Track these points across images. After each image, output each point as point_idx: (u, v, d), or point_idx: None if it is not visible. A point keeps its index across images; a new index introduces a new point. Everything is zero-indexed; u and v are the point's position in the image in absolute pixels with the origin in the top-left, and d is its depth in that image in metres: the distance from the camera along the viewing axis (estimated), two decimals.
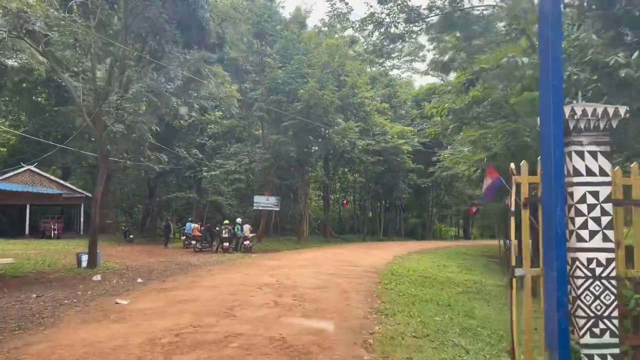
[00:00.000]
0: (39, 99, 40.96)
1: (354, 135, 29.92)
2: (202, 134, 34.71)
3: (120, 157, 16.57)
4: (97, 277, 13.74)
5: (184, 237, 28.21)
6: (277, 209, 30.99)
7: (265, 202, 29.72)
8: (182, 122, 20.57)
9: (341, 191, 47.87)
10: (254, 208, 31.47)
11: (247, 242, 25.53)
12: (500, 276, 20.83)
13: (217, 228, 26.50)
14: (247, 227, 25.96)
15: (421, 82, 66.64)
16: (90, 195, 38.36)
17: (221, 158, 30.80)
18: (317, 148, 33.04)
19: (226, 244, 24.65)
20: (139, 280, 13.30)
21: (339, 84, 29.21)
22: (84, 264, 15.90)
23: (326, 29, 39.65)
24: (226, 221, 25.60)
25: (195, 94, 17.07)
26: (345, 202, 41.55)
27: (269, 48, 29.40)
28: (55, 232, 33.63)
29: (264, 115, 28.28)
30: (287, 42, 28.79)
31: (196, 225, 26.82)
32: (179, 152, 33.20)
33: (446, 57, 18.12)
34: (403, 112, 44.75)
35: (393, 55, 65.39)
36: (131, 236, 33.26)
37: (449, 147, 44.04)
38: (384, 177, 39.69)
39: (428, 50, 66.53)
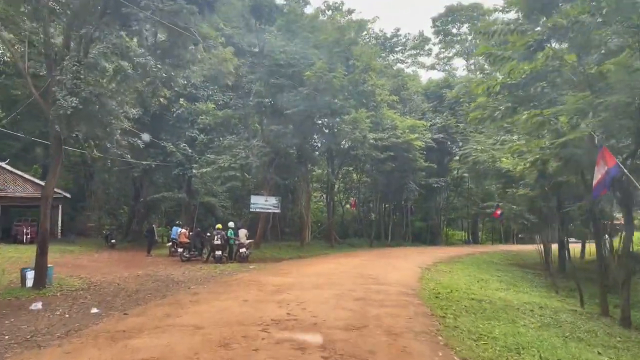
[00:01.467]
0: (17, 92, 37.21)
1: (366, 126, 26.14)
2: (192, 126, 30.89)
3: (84, 143, 12.55)
4: (37, 305, 9.91)
5: (169, 244, 24.38)
6: (278, 210, 27.15)
7: (263, 203, 25.89)
8: (162, 100, 16.69)
9: (344, 192, 44.03)
10: (251, 210, 27.64)
11: (242, 250, 21.73)
12: (554, 294, 17.20)
13: (208, 233, 22.71)
14: (242, 232, 22.15)
15: (427, 77, 63.16)
16: (69, 195, 34.82)
17: (213, 153, 26.97)
18: (324, 141, 29.14)
19: (218, 252, 20.85)
20: (94, 310, 9.48)
21: (347, 68, 25.44)
22: (29, 282, 12.06)
23: (330, 12, 35.96)
24: (218, 225, 21.77)
25: (180, 60, 13.14)
26: (352, 203, 37.68)
27: (268, 27, 25.65)
28: (28, 236, 29.88)
29: (263, 101, 24.44)
30: (289, 20, 24.96)
31: (183, 230, 22.94)
32: (166, 146, 29.37)
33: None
34: (414, 105, 40.98)
35: (397, 49, 62.23)
36: (113, 241, 29.65)
37: (460, 143, 40.64)
38: (393, 176, 35.87)
39: (434, 44, 63.72)
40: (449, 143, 41.65)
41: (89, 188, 38.98)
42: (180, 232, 22.65)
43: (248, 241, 22.45)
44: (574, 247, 29.86)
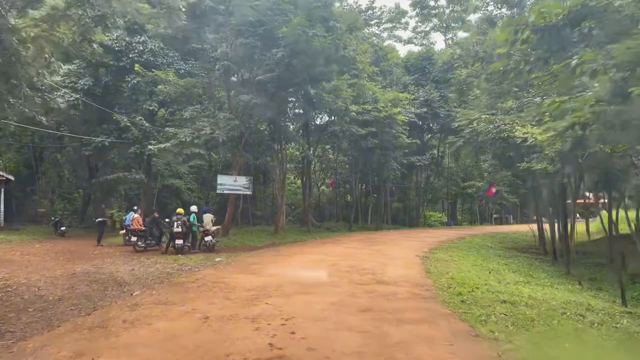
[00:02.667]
0: None
1: (349, 95, 23.04)
2: (150, 98, 27.21)
3: None
4: None
5: (123, 231, 20.94)
6: (249, 192, 23.88)
7: (232, 183, 22.60)
8: (97, 49, 13.17)
9: (320, 172, 41.01)
10: (218, 191, 24.35)
11: (208, 238, 18.58)
12: (578, 285, 14.69)
13: (167, 219, 19.43)
14: (208, 217, 18.97)
15: (404, 52, 60.05)
16: (12, 177, 31.01)
17: (173, 126, 23.50)
18: (300, 111, 25.83)
19: (179, 241, 17.62)
20: None
21: (327, 30, 22.18)
22: None
23: None
24: (179, 210, 18.48)
25: None
26: (331, 183, 34.63)
27: None
28: None
29: (229, 65, 20.97)
30: None
31: (137, 215, 19.52)
32: (119, 120, 25.67)
33: None
34: (394, 78, 38.02)
35: (371, 22, 59.11)
36: (62, 228, 26.11)
37: (442, 120, 38.12)
38: (373, 155, 33.10)
39: (410, 17, 60.85)
40: (429, 119, 39.04)
41: (39, 170, 35.00)
42: (133, 217, 19.25)
43: (214, 227, 19.31)
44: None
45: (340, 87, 22.23)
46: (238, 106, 21.54)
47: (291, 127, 28.93)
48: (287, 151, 34.83)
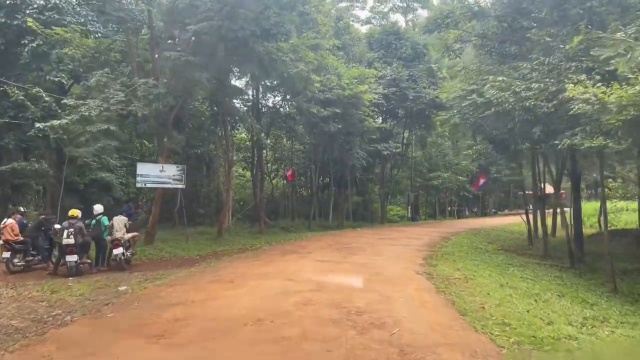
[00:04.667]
0: None
1: (312, 58, 17.90)
2: (57, 68, 21.06)
3: None
4: None
5: None
6: (181, 185, 18.24)
7: (157, 174, 16.90)
8: None
9: (273, 162, 35.64)
10: (138, 184, 18.66)
11: (117, 252, 13.05)
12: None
13: (59, 225, 13.71)
14: (119, 221, 13.46)
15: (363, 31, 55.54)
16: None
17: (74, 98, 17.70)
18: (247, 78, 20.50)
19: (72, 257, 12.03)
20: None
21: None
22: None
23: None
24: (73, 212, 12.78)
25: None
26: (289, 173, 29.38)
27: None
28: None
29: (152, 12, 15.35)
30: None
31: (12, 220, 13.51)
32: (10, 92, 19.46)
33: None
34: (357, 53, 33.19)
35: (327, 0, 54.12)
36: None
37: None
38: (336, 141, 28.34)
39: None
40: (395, 103, 34.51)
41: None
42: (4, 224, 13.27)
43: (129, 235, 13.76)
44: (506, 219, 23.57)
45: (300, 48, 17.15)
46: (165, 65, 15.97)
47: (238, 105, 23.56)
48: (234, 138, 29.40)
